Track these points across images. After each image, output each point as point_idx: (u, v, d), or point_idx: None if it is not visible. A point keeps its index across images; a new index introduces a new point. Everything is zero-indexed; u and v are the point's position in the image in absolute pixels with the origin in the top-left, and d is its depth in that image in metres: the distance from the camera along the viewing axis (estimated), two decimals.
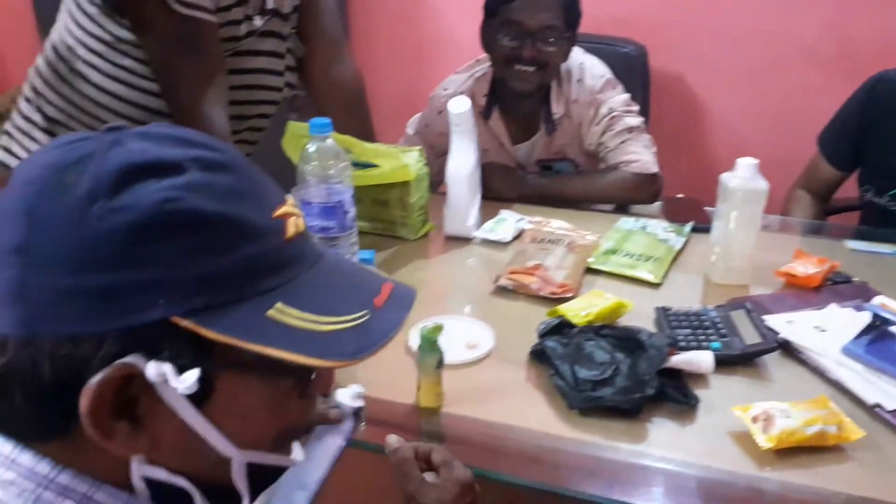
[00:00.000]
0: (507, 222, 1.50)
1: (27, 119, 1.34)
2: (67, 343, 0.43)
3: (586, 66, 1.68)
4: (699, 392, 1.00)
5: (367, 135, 1.55)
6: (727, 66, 2.27)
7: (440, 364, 0.96)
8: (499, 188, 1.64)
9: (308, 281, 0.50)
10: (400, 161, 1.38)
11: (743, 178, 1.24)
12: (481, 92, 1.71)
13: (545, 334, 1.08)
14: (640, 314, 1.18)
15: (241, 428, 0.50)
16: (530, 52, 1.56)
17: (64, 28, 1.28)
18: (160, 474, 0.49)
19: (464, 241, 1.49)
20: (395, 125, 1.94)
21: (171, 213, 0.44)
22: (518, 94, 1.64)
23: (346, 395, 0.73)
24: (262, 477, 0.54)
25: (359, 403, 0.73)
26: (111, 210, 0.43)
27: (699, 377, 1.03)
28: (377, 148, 1.43)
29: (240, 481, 0.52)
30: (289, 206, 0.52)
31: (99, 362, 0.44)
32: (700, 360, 1.02)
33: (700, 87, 2.34)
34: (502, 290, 1.28)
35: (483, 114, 1.71)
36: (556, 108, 1.67)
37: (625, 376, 0.98)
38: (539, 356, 1.07)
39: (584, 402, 0.95)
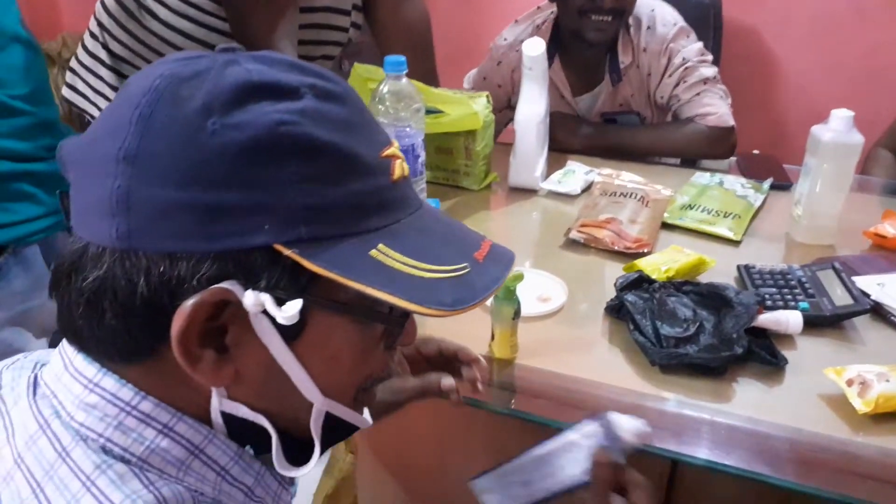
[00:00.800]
0: (576, 174, 1.45)
1: (92, 55, 1.32)
2: (165, 260, 0.42)
3: (657, 13, 1.59)
4: (786, 353, 0.95)
5: (432, 79, 1.51)
6: (804, 18, 2.15)
7: (517, 314, 0.93)
8: (564, 138, 1.58)
9: (410, 226, 0.48)
10: (468, 108, 1.33)
11: (837, 130, 1.17)
12: (545, 37, 1.63)
13: (624, 288, 1.03)
14: (719, 271, 1.12)
15: (326, 371, 0.48)
16: (610, 1, 1.48)
17: None
18: (240, 410, 0.48)
19: (529, 192, 1.45)
20: (448, 74, 1.89)
21: (286, 135, 0.43)
22: (591, 44, 1.56)
23: (627, 428, 0.67)
24: (334, 432, 0.52)
25: (636, 442, 0.67)
26: (225, 126, 0.42)
27: (785, 338, 0.98)
28: (443, 93, 1.38)
29: (316, 429, 0.50)
30: (395, 147, 0.50)
31: (195, 284, 0.42)
32: (788, 320, 0.97)
33: (775, 41, 2.22)
34: (572, 244, 1.24)
35: None
36: (623, 58, 1.59)
37: (710, 334, 0.94)
38: (616, 311, 1.03)
39: (669, 358, 0.91)
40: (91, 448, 0.45)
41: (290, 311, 0.43)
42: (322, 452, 0.51)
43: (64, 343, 0.49)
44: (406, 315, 0.51)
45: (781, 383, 0.91)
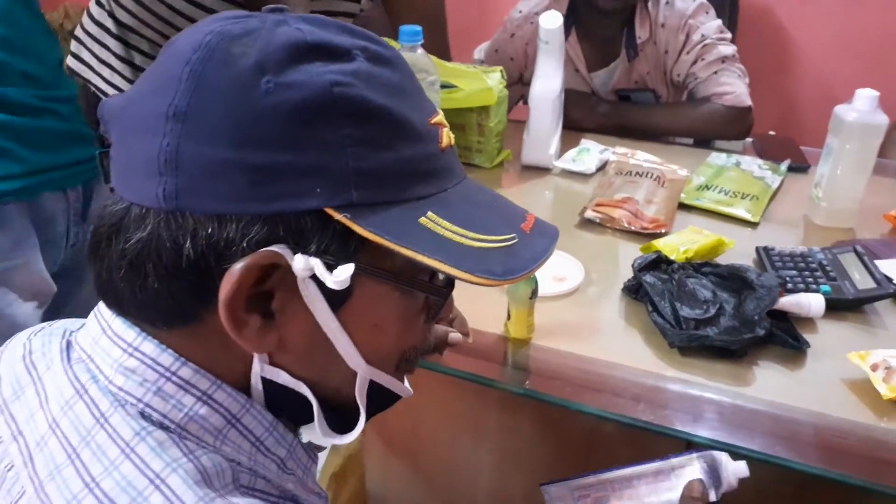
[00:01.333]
0: (591, 153, 1.42)
1: (98, 24, 1.29)
2: (213, 222, 0.41)
3: None
4: (807, 336, 0.93)
5: (444, 53, 1.47)
6: None
7: (534, 294, 0.91)
8: (578, 116, 1.55)
9: (457, 195, 0.47)
10: (482, 83, 1.31)
11: (861, 110, 1.14)
12: (561, 9, 1.59)
13: (642, 269, 1.01)
14: (737, 253, 1.10)
15: (370, 340, 0.47)
16: None
17: None
18: (280, 376, 0.47)
19: (543, 171, 1.42)
20: (457, 48, 1.85)
21: (340, 97, 0.41)
22: (602, 11, 1.53)
23: (732, 470, 0.67)
24: (375, 401, 0.51)
25: (735, 485, 0.67)
26: (279, 85, 0.41)
27: (806, 321, 0.97)
28: (457, 67, 1.35)
29: (361, 397, 0.49)
30: (441, 116, 0.49)
31: (244, 247, 0.41)
32: (810, 303, 0.95)
33: (790, 20, 2.18)
34: (587, 223, 1.22)
35: None
36: (640, 32, 1.56)
37: (730, 316, 0.92)
38: (633, 292, 1.01)
39: (688, 340, 0.89)
40: (130, 414, 0.43)
41: (341, 275, 0.42)
42: (367, 420, 0.51)
43: (101, 306, 0.48)
44: (450, 286, 0.50)
45: (803, 367, 0.90)
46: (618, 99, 1.66)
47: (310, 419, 0.49)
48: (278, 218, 0.41)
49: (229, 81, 0.41)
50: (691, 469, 0.66)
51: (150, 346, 0.45)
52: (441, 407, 1.12)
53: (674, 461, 0.67)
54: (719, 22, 1.57)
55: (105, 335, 0.46)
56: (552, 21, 1.30)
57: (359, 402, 0.49)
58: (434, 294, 0.49)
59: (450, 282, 0.49)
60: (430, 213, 0.44)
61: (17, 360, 0.49)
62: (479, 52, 1.75)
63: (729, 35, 1.58)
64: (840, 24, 2.12)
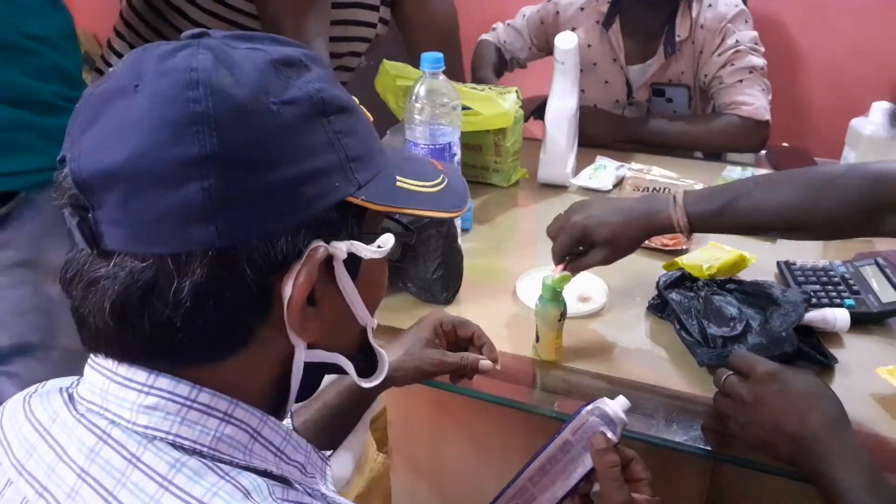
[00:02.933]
0: (607, 169, 1.43)
1: (118, 55, 1.31)
2: (265, 243, 0.44)
3: None
4: (834, 352, 0.93)
5: (458, 74, 1.50)
6: (829, 7, 2.12)
7: (562, 316, 0.91)
8: (594, 131, 1.56)
9: (395, 156, 0.55)
10: (498, 106, 1.32)
11: (877, 123, 1.15)
12: None
13: (667, 287, 1.02)
14: (758, 268, 1.11)
15: (369, 296, 0.54)
16: None
17: None
18: (321, 355, 0.52)
19: (559, 188, 1.43)
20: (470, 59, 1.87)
21: (326, 101, 0.47)
22: (648, 3, 1.54)
23: (618, 407, 0.71)
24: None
25: (626, 407, 0.71)
26: (283, 104, 0.45)
27: (832, 336, 0.97)
28: (472, 90, 1.36)
29: (375, 344, 0.57)
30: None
31: (296, 254, 0.46)
32: (836, 317, 0.95)
33: (801, 30, 2.19)
34: None
35: (603, 23, 1.62)
36: (680, 31, 1.57)
37: (757, 333, 0.92)
38: (659, 310, 1.02)
39: (718, 358, 0.90)
40: (161, 448, 0.45)
41: (387, 243, 0.50)
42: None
43: (93, 360, 0.48)
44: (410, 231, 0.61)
45: (832, 383, 0.90)
46: (652, 93, 1.66)
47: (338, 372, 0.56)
48: (314, 219, 0.46)
49: (242, 112, 0.44)
50: (588, 426, 0.70)
51: (165, 381, 0.46)
52: (466, 429, 1.13)
53: (569, 429, 0.71)
54: (756, 34, 1.58)
55: (114, 383, 0.47)
56: (567, 41, 1.31)
57: (375, 347, 0.57)
58: (403, 238, 0.57)
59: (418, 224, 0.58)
60: (398, 177, 0.52)
61: (22, 422, 0.49)
62: (523, 12, 1.77)
63: (762, 49, 1.58)
64: (852, 32, 2.13)
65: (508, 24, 1.78)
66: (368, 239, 0.50)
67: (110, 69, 0.48)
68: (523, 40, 1.74)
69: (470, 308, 1.07)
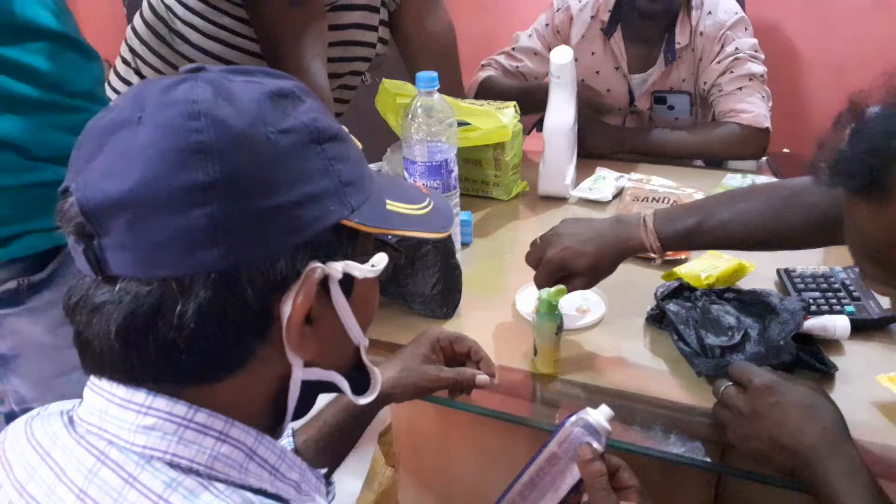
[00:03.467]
0: (607, 180, 1.44)
1: (125, 81, 1.34)
2: (265, 264, 0.47)
3: (721, 0, 1.58)
4: (834, 359, 0.93)
5: (457, 90, 1.51)
6: (825, 10, 2.12)
7: (559, 329, 0.92)
8: (595, 143, 1.57)
9: (383, 181, 0.58)
10: (497, 121, 1.33)
11: None
12: (606, 7, 1.63)
13: (664, 298, 1.02)
14: (758, 276, 1.11)
15: (362, 315, 0.56)
16: None
17: None
18: (316, 373, 0.54)
19: (559, 200, 1.44)
20: (473, 73, 1.88)
21: (321, 129, 0.50)
22: (644, 14, 1.56)
23: (601, 416, 0.72)
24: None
25: (609, 416, 0.73)
26: (279, 132, 0.48)
27: (832, 343, 0.97)
28: (471, 106, 1.38)
29: (368, 362, 0.59)
30: None
31: (294, 275, 0.48)
32: (835, 325, 0.95)
33: (800, 35, 2.20)
34: None
35: (605, 31, 1.63)
36: (680, 38, 1.58)
37: (755, 342, 0.92)
38: (657, 320, 1.02)
39: (715, 368, 0.90)
40: (158, 468, 0.46)
41: (381, 262, 0.53)
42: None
43: (93, 383, 0.50)
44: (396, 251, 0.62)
45: (832, 391, 0.90)
46: (653, 101, 1.67)
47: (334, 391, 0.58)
48: (311, 241, 0.48)
49: (242, 141, 0.46)
50: (573, 437, 0.71)
51: (162, 402, 0.48)
52: (472, 442, 1.13)
53: (555, 441, 0.72)
54: (756, 41, 1.59)
55: (112, 404, 0.48)
56: (563, 56, 1.32)
57: (368, 365, 0.60)
58: (392, 259, 0.58)
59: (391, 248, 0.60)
60: (387, 200, 0.55)
61: (24, 445, 0.51)
62: (522, 36, 1.73)
63: (762, 56, 1.59)
64: (851, 36, 2.13)
65: (507, 52, 1.74)
66: (362, 259, 0.53)
67: (112, 102, 0.49)
68: (539, 57, 1.71)
69: (470, 322, 1.08)
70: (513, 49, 1.73)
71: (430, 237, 0.58)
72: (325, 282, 0.50)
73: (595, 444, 0.70)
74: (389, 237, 0.61)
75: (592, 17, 1.64)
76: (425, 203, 0.59)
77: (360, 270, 0.51)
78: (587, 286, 0.97)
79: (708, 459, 0.82)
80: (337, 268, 0.50)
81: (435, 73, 1.08)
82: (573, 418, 0.71)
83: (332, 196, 0.49)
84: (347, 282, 0.52)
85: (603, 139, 1.58)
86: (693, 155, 1.61)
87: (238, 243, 0.45)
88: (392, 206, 0.55)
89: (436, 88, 1.07)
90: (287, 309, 0.48)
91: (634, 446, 0.84)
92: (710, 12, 1.56)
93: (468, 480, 1.19)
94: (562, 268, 0.95)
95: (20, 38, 0.85)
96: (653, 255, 0.95)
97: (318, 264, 0.49)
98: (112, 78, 1.36)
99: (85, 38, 0.94)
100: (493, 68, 1.74)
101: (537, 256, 0.97)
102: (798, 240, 0.90)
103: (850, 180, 0.60)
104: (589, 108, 1.58)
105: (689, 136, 1.60)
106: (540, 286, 0.97)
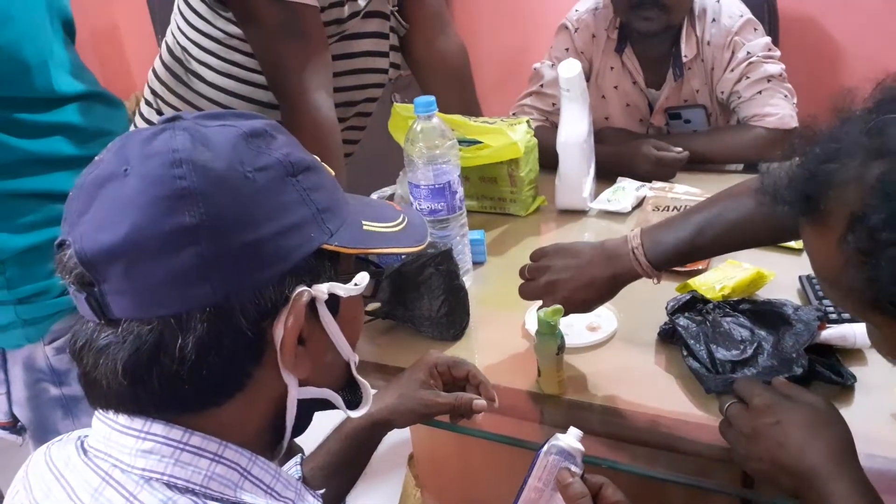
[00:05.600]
0: (626, 191, 1.41)
1: (148, 122, 1.39)
2: (255, 293, 0.50)
3: (723, 5, 1.53)
4: (855, 369, 0.89)
5: (473, 109, 1.51)
6: (864, 1, 2.03)
7: (560, 349, 0.91)
8: (647, 170, 1.47)
9: (357, 203, 0.61)
10: (507, 137, 1.33)
11: None
12: (614, 24, 1.60)
13: (675, 312, 1.00)
14: (781, 284, 1.07)
15: (350, 331, 0.59)
16: None
17: (177, 29, 1.32)
18: (310, 391, 0.57)
19: (579, 214, 1.42)
20: (497, 96, 1.86)
21: (294, 163, 0.53)
22: (642, 34, 1.53)
23: (572, 439, 0.73)
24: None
25: (579, 436, 0.74)
26: (256, 170, 0.51)
27: (853, 353, 0.92)
28: (482, 124, 1.38)
29: (359, 377, 0.62)
30: None
31: (283, 300, 0.51)
32: (855, 333, 0.91)
33: (835, 28, 2.11)
34: None
35: (616, 49, 1.61)
36: (687, 51, 1.54)
37: (769, 355, 0.89)
38: (669, 336, 1.00)
39: (724, 385, 0.87)
40: (156, 488, 0.50)
41: (363, 280, 0.56)
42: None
43: (99, 412, 0.54)
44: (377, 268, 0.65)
45: (851, 404, 0.86)
46: (668, 118, 1.64)
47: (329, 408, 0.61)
48: (295, 267, 0.52)
49: (222, 182, 0.49)
50: (550, 466, 0.71)
51: (159, 427, 0.51)
52: (494, 469, 1.12)
53: (534, 475, 0.72)
54: (768, 40, 1.54)
55: (115, 431, 0.52)
56: (570, 70, 1.31)
57: (359, 380, 0.63)
58: (373, 276, 0.60)
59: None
60: (363, 221, 0.58)
61: (43, 467, 0.55)
62: (544, 69, 1.66)
63: (777, 53, 1.54)
64: (887, 27, 2.03)
65: (536, 91, 1.65)
66: (345, 279, 0.56)
67: (96, 157, 0.53)
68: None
69: (480, 343, 1.08)
70: (541, 86, 1.65)
71: (407, 251, 0.62)
72: (312, 304, 0.53)
73: (573, 467, 0.70)
74: (369, 256, 0.63)
75: (606, 30, 1.62)
76: (399, 220, 0.62)
77: (344, 290, 0.55)
78: (582, 311, 0.97)
79: (717, 482, 0.79)
80: (322, 289, 0.53)
81: (432, 98, 1.09)
82: (545, 448, 0.71)
83: (310, 223, 0.53)
84: (334, 302, 0.55)
85: (653, 166, 1.48)
86: (721, 160, 1.57)
87: (228, 277, 0.49)
88: (368, 226, 0.58)
89: (434, 112, 1.08)
90: (279, 332, 0.51)
91: (638, 468, 0.82)
92: (713, 20, 1.52)
93: (488, 499, 1.18)
94: (552, 295, 0.94)
95: (58, 104, 0.96)
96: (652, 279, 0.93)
97: (305, 288, 0.52)
98: (137, 120, 1.42)
99: (131, 69, 1.05)
100: (529, 115, 1.62)
101: (534, 295, 0.97)
102: (786, 231, 0.85)
103: (791, 206, 0.59)
104: (664, 167, 1.47)
105: (716, 141, 1.55)
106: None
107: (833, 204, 0.56)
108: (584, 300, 0.93)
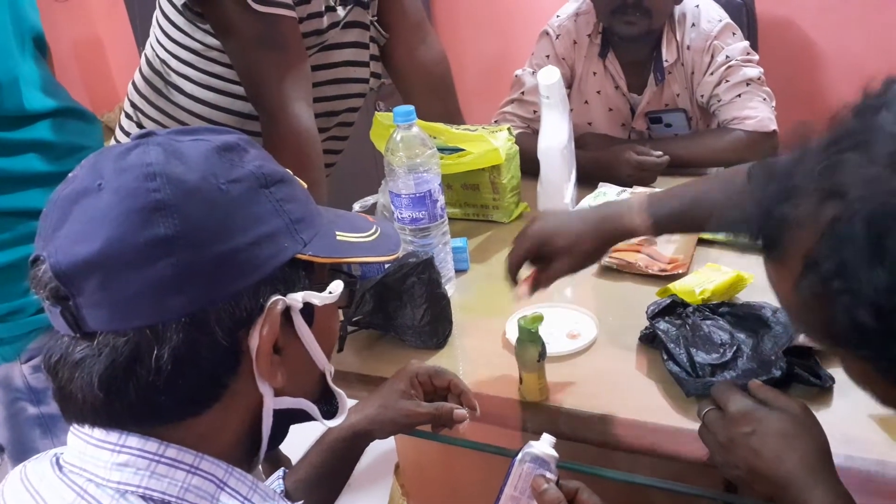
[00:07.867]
0: (608, 196, 1.42)
1: (128, 135, 1.39)
2: (230, 303, 0.50)
3: (702, 9, 1.55)
4: (833, 371, 0.89)
5: (455, 117, 1.51)
6: (840, 1, 2.05)
7: (542, 356, 0.91)
8: (636, 177, 1.46)
9: (330, 214, 0.61)
10: (488, 144, 1.33)
11: None
12: (596, 30, 1.62)
13: (656, 316, 1.00)
14: (760, 287, 1.07)
15: (325, 341, 0.59)
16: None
17: (156, 41, 1.32)
18: (286, 402, 0.57)
19: None
20: (480, 104, 1.87)
21: (267, 175, 0.54)
22: (623, 39, 1.55)
23: (546, 445, 0.74)
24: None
25: (552, 442, 0.74)
26: (230, 182, 0.52)
27: (831, 355, 0.93)
28: (464, 132, 1.38)
29: (334, 387, 0.63)
30: None
31: (258, 310, 0.52)
32: None
33: (814, 30, 2.13)
34: (606, 271, 1.21)
35: (600, 54, 1.62)
36: (668, 55, 1.56)
37: (748, 358, 0.90)
38: (650, 341, 1.00)
39: (703, 388, 0.87)
40: (132, 501, 0.50)
41: (337, 288, 0.57)
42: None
43: (73, 428, 0.54)
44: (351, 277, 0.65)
45: (829, 405, 0.87)
46: (649, 123, 1.65)
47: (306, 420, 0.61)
48: (270, 276, 0.52)
49: (195, 194, 0.50)
50: (525, 474, 0.72)
51: (134, 440, 0.51)
52: (480, 476, 1.12)
53: (510, 483, 0.73)
54: (746, 44, 1.56)
55: (90, 445, 0.52)
56: (550, 76, 1.32)
57: (334, 389, 0.63)
58: (347, 285, 0.61)
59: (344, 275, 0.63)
60: (337, 232, 0.59)
61: (18, 485, 0.55)
62: (525, 76, 1.66)
63: (756, 57, 1.56)
64: (868, 27, 2.05)
65: (518, 99, 1.64)
66: (319, 288, 0.57)
67: (70, 174, 0.54)
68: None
69: (463, 351, 1.08)
70: (522, 94, 1.65)
71: (379, 261, 0.62)
72: (287, 313, 0.54)
73: (547, 474, 0.70)
74: (343, 266, 0.63)
75: (589, 35, 1.63)
76: (372, 230, 0.63)
77: (318, 298, 0.56)
78: (569, 270, 0.94)
79: (696, 486, 0.80)
80: (297, 298, 0.54)
81: (411, 107, 1.09)
82: (519, 456, 0.72)
83: (284, 234, 0.54)
84: (308, 312, 0.56)
85: (634, 171, 1.46)
86: (702, 163, 1.57)
87: (203, 287, 0.49)
88: (342, 236, 0.59)
89: (414, 121, 1.08)
90: (255, 342, 0.52)
91: (618, 473, 0.83)
92: (693, 24, 1.54)
93: None
94: (540, 243, 0.93)
95: (30, 121, 0.96)
96: (640, 238, 0.93)
97: (280, 297, 0.53)
98: (117, 132, 1.41)
99: (114, 81, 1.06)
100: (511, 122, 1.63)
101: (521, 250, 0.96)
102: None
103: (749, 241, 0.58)
104: (644, 171, 1.46)
105: (696, 145, 1.56)
106: (514, 264, 0.96)
107: (789, 245, 0.54)
108: (569, 244, 0.92)
